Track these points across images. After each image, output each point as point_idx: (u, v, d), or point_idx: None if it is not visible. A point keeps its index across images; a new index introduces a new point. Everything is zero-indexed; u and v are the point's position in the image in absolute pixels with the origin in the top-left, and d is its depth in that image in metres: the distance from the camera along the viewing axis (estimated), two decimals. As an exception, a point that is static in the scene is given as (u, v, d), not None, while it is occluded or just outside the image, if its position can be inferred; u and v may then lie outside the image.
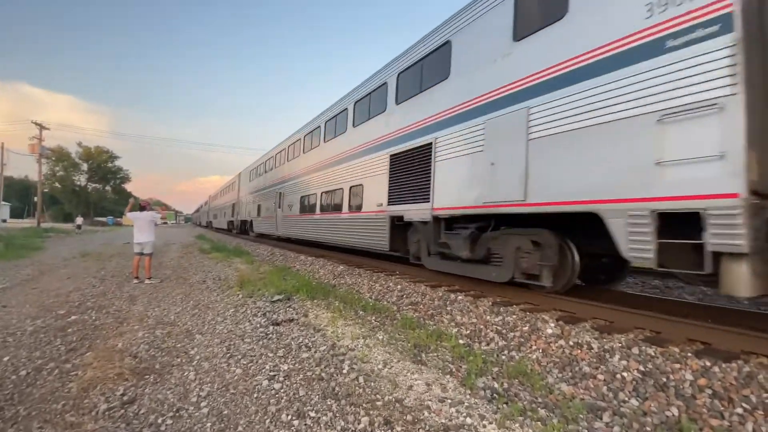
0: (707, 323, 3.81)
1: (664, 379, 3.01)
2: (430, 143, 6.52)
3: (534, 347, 3.89)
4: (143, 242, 7.95)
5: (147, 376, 3.28)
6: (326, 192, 10.95)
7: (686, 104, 3.27)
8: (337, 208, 10.02)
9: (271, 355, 3.73)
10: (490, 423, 2.54)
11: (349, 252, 11.97)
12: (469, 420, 2.57)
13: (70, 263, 10.79)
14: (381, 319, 5.04)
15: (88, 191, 72.40)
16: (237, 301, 6.00)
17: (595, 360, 3.46)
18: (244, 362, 3.56)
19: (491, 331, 4.39)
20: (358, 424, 2.53)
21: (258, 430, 2.51)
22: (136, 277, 7.82)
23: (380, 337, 4.26)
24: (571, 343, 3.80)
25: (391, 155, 7.66)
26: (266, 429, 2.51)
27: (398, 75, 7.80)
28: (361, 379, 3.15)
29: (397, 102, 7.81)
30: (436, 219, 6.37)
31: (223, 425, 2.56)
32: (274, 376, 3.24)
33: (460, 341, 4.24)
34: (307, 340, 4.10)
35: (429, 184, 6.46)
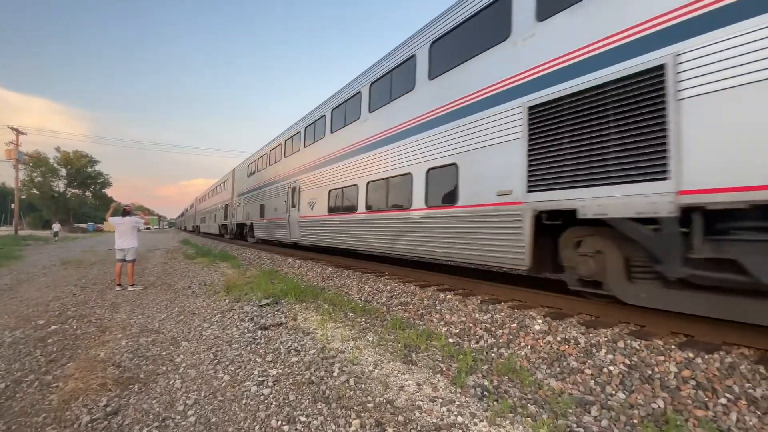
0: (690, 316, 3.90)
1: (650, 372, 3.07)
2: (662, 65, 3.52)
3: (522, 344, 3.93)
4: (126, 248, 7.76)
5: (131, 386, 3.19)
6: (377, 181, 7.87)
7: None
8: (401, 203, 7.06)
9: (259, 360, 3.67)
10: (481, 421, 2.54)
11: (337, 253, 11.91)
12: (460, 419, 2.57)
13: (49, 271, 10.46)
14: (371, 321, 5.01)
15: (67, 197, 70.38)
16: (224, 307, 5.90)
17: (582, 355, 3.50)
18: (232, 368, 3.49)
19: (480, 329, 4.42)
20: (349, 427, 2.50)
21: (247, 437, 2.46)
22: (119, 285, 7.63)
23: (370, 339, 4.24)
24: (558, 338, 3.85)
25: (530, 107, 4.68)
26: (255, 436, 2.47)
27: None
28: (351, 382, 3.12)
29: None
30: (687, 212, 3.40)
31: (210, 433, 2.50)
32: (263, 381, 3.19)
33: (450, 340, 4.25)
34: (296, 344, 4.05)
35: (663, 142, 3.48)
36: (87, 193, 76.19)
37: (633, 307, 4.28)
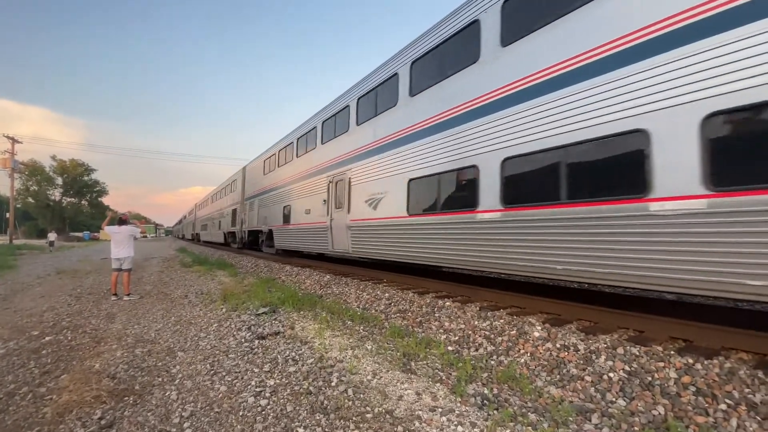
0: (688, 321, 3.90)
1: (650, 378, 3.06)
2: None
3: (522, 351, 3.91)
4: (122, 257, 7.70)
5: (126, 398, 3.14)
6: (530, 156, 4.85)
7: None
8: (600, 189, 4.09)
9: (256, 370, 3.63)
10: (482, 430, 2.52)
11: (335, 260, 11.88)
12: (460, 428, 2.54)
13: (44, 281, 10.35)
14: (369, 329, 4.98)
15: (63, 206, 69.97)
16: (221, 316, 5.85)
17: (582, 362, 3.49)
18: (229, 379, 3.45)
19: (479, 336, 4.40)
20: (348, 438, 2.47)
21: (244, 449, 2.42)
22: (115, 294, 7.55)
23: (369, 347, 4.20)
24: (558, 345, 3.83)
25: None
26: (253, 448, 2.43)
27: None
28: (350, 392, 3.09)
29: None
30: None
31: (207, 446, 2.46)
32: (261, 392, 3.15)
33: (449, 348, 4.22)
34: (293, 353, 4.02)
35: None
36: (83, 202, 75.78)
37: (632, 313, 4.28)
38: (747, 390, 2.73)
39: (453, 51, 6.20)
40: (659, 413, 2.68)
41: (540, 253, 4.61)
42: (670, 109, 3.58)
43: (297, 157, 12.58)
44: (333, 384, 3.25)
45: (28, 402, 3.12)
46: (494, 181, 5.23)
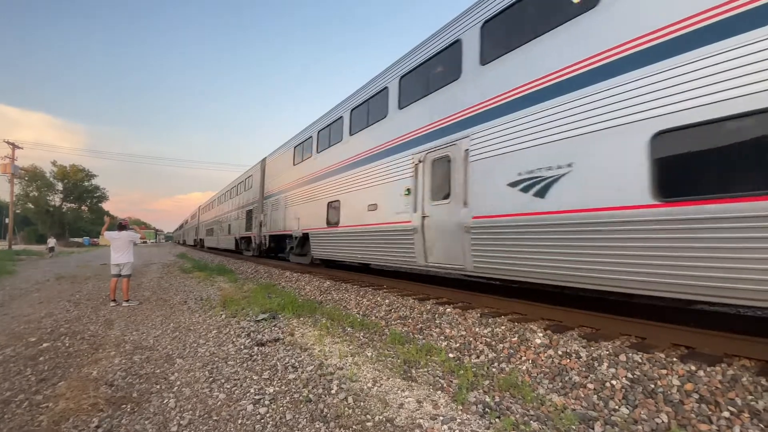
0: (690, 327, 3.87)
1: (652, 386, 3.03)
2: None
3: (524, 358, 3.88)
4: (121, 263, 7.67)
5: (124, 406, 3.11)
6: None
7: None
8: None
9: (256, 377, 3.60)
10: (483, 439, 2.49)
11: (335, 266, 11.84)
12: (461, 437, 2.51)
13: (43, 287, 10.31)
14: (369, 335, 4.95)
15: (62, 211, 69.97)
16: (220, 322, 5.82)
17: (584, 369, 3.46)
18: (228, 386, 3.42)
19: (481, 343, 4.37)
20: (348, 447, 2.44)
21: (243, 458, 2.39)
22: (114, 300, 7.52)
23: (369, 354, 4.17)
24: (560, 352, 3.81)
25: None
26: (252, 457, 2.40)
27: None
28: (350, 399, 3.06)
29: None
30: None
31: (205, 455, 2.43)
32: (260, 399, 3.12)
33: (450, 355, 4.19)
34: (293, 360, 3.99)
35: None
36: (83, 207, 75.81)
37: (634, 320, 4.26)
38: (750, 397, 2.71)
39: None
40: (662, 421, 2.65)
41: None
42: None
43: (350, 135, 9.15)
44: (333, 391, 3.22)
45: (23, 410, 3.09)
46: None
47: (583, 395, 3.10)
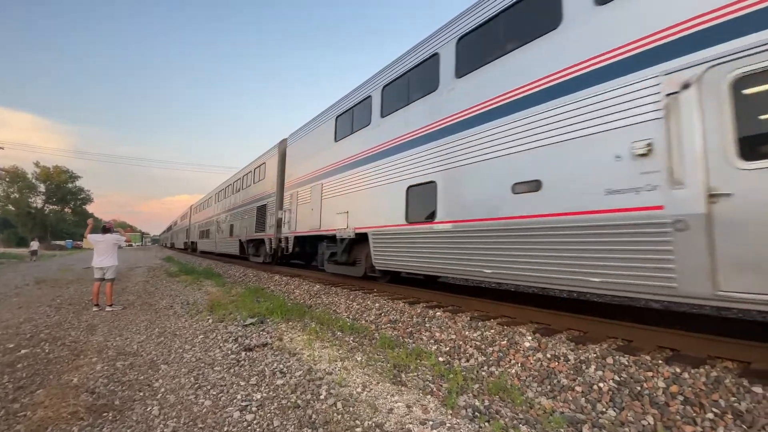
0: (674, 329, 3.94)
1: (639, 388, 3.07)
2: None
3: (513, 361, 3.89)
4: (105, 267, 7.50)
5: (105, 414, 3.02)
6: None
7: None
8: None
9: (243, 383, 3.54)
10: (473, 444, 2.48)
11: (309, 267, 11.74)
12: (451, 442, 2.50)
13: (22, 291, 10.01)
14: (359, 340, 4.92)
15: (45, 213, 68.26)
16: (206, 327, 5.72)
17: (572, 372, 3.48)
18: (214, 393, 3.35)
19: (470, 347, 4.37)
20: (337, 453, 2.41)
21: (229, 467, 2.34)
22: (96, 305, 7.33)
23: (359, 359, 4.14)
24: (548, 355, 3.83)
25: None
26: (238, 465, 2.35)
27: None
28: (339, 405, 3.03)
29: None
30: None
31: (190, 464, 2.37)
32: (247, 406, 3.06)
33: (440, 359, 4.18)
34: (281, 366, 3.93)
35: None
36: (66, 210, 74.09)
37: (620, 323, 4.32)
38: (733, 398, 2.76)
39: None
40: (649, 423, 2.68)
41: None
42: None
43: (459, 77, 6.07)
44: (322, 397, 3.18)
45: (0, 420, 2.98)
46: None
47: (571, 398, 3.12)
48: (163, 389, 3.47)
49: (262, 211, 14.52)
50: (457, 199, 5.90)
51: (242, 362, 4.10)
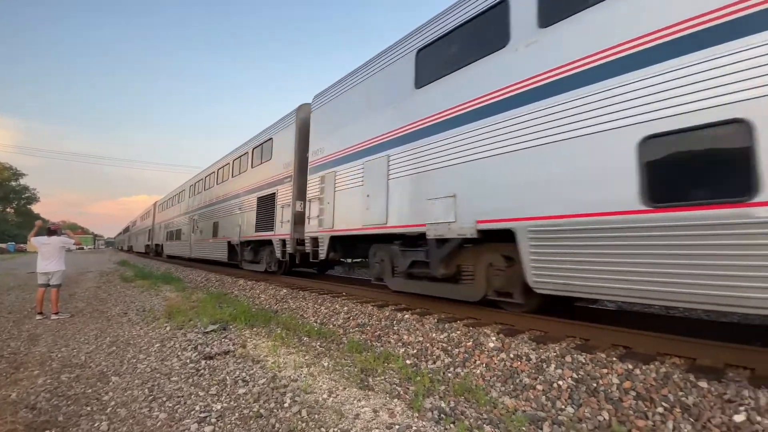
0: (627, 328, 4.15)
1: (595, 385, 3.20)
2: None
3: (478, 362, 3.96)
4: (50, 272, 6.95)
5: (47, 431, 2.78)
6: None
7: None
8: None
9: (202, 393, 3.37)
10: (438, 446, 2.49)
11: (301, 274, 11.51)
12: (417, 445, 2.49)
13: (-47, 300, 9.10)
14: (326, 345, 4.83)
15: (-17, 214, 62.73)
16: (164, 335, 5.42)
17: (533, 371, 3.59)
18: (170, 404, 3.17)
19: (437, 348, 4.41)
20: (301, 463, 2.34)
21: (184, 483, 2.21)
22: (40, 313, 6.78)
23: (325, 364, 4.06)
24: (511, 355, 3.93)
25: None
26: (194, 481, 2.22)
27: None
28: (304, 413, 2.95)
29: None
30: None
31: (141, 483, 2.22)
32: (206, 417, 2.92)
33: (408, 361, 4.19)
34: (244, 374, 3.79)
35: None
36: (9, 209, 68.37)
37: (579, 322, 4.50)
38: (681, 393, 2.93)
39: None
40: (604, 419, 2.80)
41: None
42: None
43: None
44: (286, 405, 3.08)
45: None
46: None
47: (532, 396, 3.20)
48: (113, 403, 3.25)
49: (266, 202, 10.99)
50: None
51: (202, 371, 3.92)
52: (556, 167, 4.14)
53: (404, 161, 6.28)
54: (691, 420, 2.65)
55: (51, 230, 7.31)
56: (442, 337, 4.67)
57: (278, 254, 10.09)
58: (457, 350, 4.27)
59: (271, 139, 11.29)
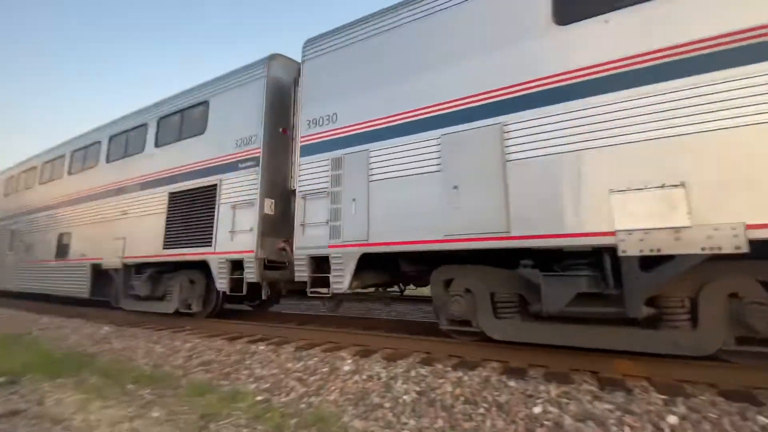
0: (462, 340, 4.79)
1: (433, 395, 3.56)
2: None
3: (333, 388, 3.96)
4: None
5: None
6: None
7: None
8: None
9: (-44, 483, 2.45)
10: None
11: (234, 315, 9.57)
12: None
13: None
14: (159, 391, 4.12)
15: None
16: None
17: (383, 389, 3.78)
18: None
19: (292, 379, 4.24)
20: None
21: None
22: None
23: (156, 415, 3.45)
24: (364, 376, 4.06)
25: None
26: None
27: None
28: (118, 481, 2.42)
29: None
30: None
31: None
32: None
33: (258, 398, 3.89)
34: (34, 443, 2.92)
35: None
36: None
37: (424, 338, 4.97)
38: (496, 393, 3.49)
39: None
40: (440, 426, 3.12)
41: None
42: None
43: None
44: (93, 476, 2.49)
45: None
46: None
47: (381, 416, 3.35)
48: None
49: (193, 201, 7.27)
50: None
51: (-39, 451, 2.86)
52: None
53: (548, 131, 3.99)
54: (503, 416, 3.18)
55: None
56: (298, 365, 4.53)
57: (220, 284, 6.57)
58: (312, 378, 4.19)
59: (206, 102, 7.65)
